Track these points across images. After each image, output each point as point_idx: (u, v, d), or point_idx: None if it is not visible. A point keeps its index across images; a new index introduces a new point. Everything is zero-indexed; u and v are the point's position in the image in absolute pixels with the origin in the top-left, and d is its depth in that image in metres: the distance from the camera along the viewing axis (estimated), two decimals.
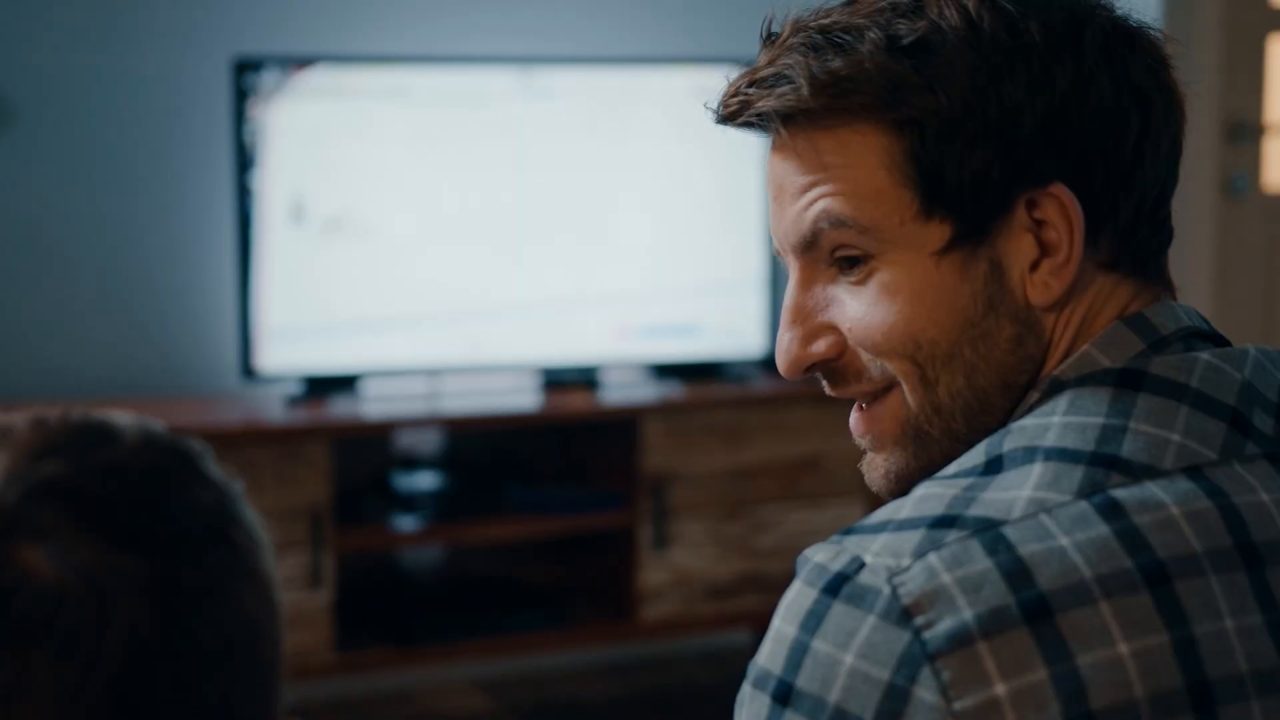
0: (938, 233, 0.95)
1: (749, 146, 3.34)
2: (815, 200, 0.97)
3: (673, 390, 3.32)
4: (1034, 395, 0.95)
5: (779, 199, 1.00)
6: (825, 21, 0.96)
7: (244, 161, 3.07)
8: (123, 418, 0.75)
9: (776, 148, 0.99)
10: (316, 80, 3.11)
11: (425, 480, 3.24)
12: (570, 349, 3.30)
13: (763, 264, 3.38)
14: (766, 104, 0.96)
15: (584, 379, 3.30)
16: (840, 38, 0.95)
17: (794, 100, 0.95)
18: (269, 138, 3.07)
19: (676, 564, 3.26)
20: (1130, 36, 0.98)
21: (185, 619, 0.70)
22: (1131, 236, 0.97)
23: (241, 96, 3.06)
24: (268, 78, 3.07)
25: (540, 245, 3.27)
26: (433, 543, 3.30)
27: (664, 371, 3.39)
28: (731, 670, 3.47)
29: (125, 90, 3.18)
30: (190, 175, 3.23)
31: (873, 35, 0.94)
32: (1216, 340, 0.98)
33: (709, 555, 3.28)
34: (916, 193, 0.95)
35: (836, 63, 0.94)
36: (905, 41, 0.94)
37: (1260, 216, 3.59)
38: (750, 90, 0.98)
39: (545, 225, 3.27)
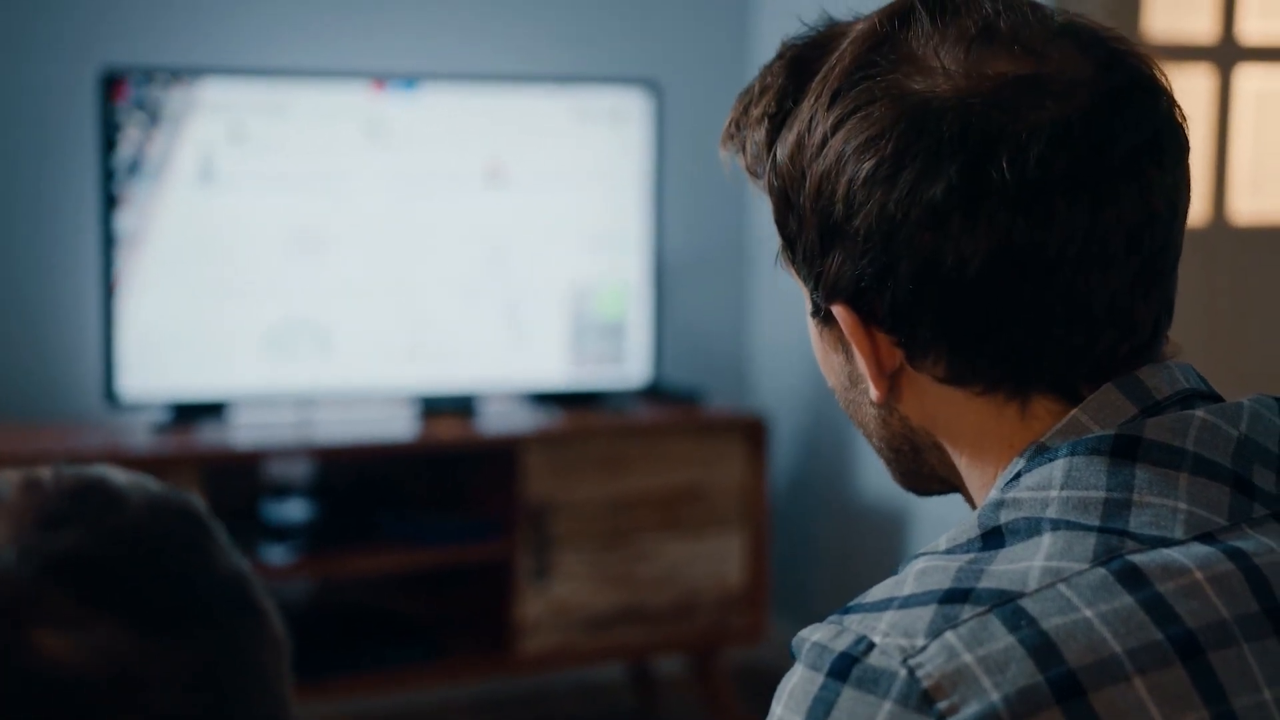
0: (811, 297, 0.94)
1: (634, 179, 3.31)
2: None
3: (552, 419, 3.27)
4: (1019, 462, 0.88)
5: None
6: (766, 78, 0.95)
7: (110, 178, 2.98)
8: (117, 475, 0.70)
9: None
10: (188, 93, 3.02)
11: (296, 510, 3.16)
12: (447, 377, 3.24)
13: (645, 296, 3.34)
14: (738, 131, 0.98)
15: (462, 407, 3.24)
16: (756, 91, 0.95)
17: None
18: (139, 155, 2.99)
19: (555, 595, 3.21)
20: (961, 141, 0.85)
21: (220, 703, 0.65)
22: (980, 355, 0.88)
23: (108, 109, 2.97)
24: (136, 90, 2.98)
25: (416, 270, 3.21)
26: (304, 574, 3.21)
27: (543, 400, 3.34)
28: (608, 703, 3.41)
29: None
30: (54, 191, 3.13)
31: (768, 96, 0.93)
32: (1216, 401, 0.92)
33: (588, 587, 3.23)
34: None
35: (742, 113, 0.95)
36: (772, 111, 0.92)
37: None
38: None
39: (420, 250, 3.21)
